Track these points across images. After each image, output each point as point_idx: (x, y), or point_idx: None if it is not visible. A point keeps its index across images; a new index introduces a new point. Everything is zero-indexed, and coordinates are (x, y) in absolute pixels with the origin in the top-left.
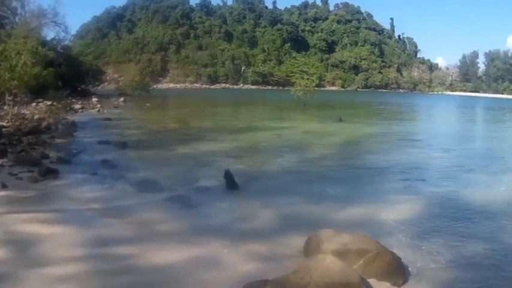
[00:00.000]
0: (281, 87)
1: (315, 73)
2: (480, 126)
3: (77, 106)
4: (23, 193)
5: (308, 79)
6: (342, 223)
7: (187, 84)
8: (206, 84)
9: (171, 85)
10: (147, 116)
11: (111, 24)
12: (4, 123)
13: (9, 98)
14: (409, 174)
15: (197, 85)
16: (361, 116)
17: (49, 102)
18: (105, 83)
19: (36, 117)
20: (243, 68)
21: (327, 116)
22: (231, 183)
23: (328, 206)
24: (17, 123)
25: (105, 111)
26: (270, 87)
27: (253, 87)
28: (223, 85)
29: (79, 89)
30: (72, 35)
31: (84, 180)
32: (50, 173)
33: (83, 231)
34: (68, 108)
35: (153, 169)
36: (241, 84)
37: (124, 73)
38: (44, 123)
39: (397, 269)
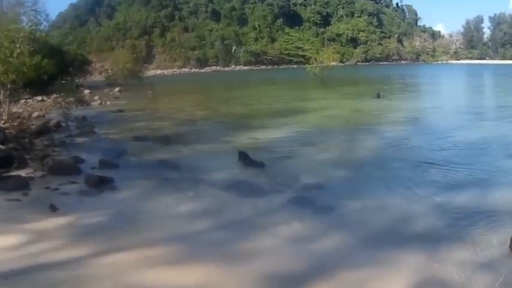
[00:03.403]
0: (276, 66)
1: (334, 47)
2: None
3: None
4: (88, 217)
5: (325, 54)
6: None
7: (175, 70)
8: (195, 68)
9: (158, 71)
10: (161, 105)
11: (89, 10)
12: (0, 124)
13: (5, 94)
14: None
15: (186, 70)
16: (393, 91)
17: (39, 98)
18: (89, 74)
19: (35, 114)
20: (234, 48)
21: (359, 92)
22: (247, 160)
23: (474, 194)
24: (15, 123)
25: (108, 103)
26: (263, 66)
27: (246, 68)
28: (213, 68)
29: (63, 81)
30: (48, 25)
31: (154, 188)
32: (103, 183)
33: (241, 272)
34: (79, 102)
35: (227, 167)
36: (233, 66)
37: (108, 62)
38: (53, 121)
39: None
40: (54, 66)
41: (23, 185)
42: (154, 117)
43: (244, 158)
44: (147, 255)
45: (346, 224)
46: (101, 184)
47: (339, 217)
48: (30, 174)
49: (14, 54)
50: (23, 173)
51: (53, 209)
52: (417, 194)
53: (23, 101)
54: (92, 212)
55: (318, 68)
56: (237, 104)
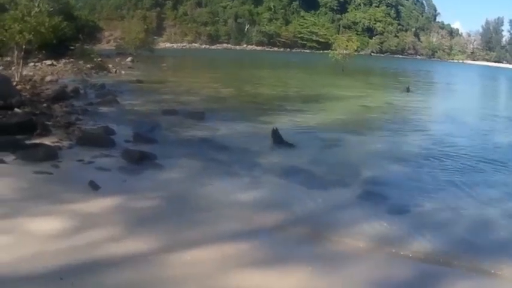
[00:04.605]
0: (288, 49)
1: (350, 35)
2: None
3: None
4: (138, 200)
5: (349, 41)
6: None
7: (184, 44)
8: (206, 44)
9: (168, 44)
10: (181, 79)
11: None
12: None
13: (19, 55)
14: None
15: (196, 45)
16: (419, 86)
17: (49, 62)
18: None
19: (48, 78)
20: (246, 27)
21: (385, 84)
22: (279, 140)
23: None
24: (27, 86)
25: (123, 72)
26: (276, 48)
27: (258, 48)
28: (224, 45)
29: (72, 47)
30: None
31: (203, 169)
32: (145, 159)
33: (341, 280)
34: (100, 69)
35: (276, 151)
36: (245, 45)
37: (118, 31)
38: (69, 87)
39: None
40: (74, 29)
41: (52, 155)
42: (178, 91)
43: (277, 137)
44: (227, 253)
45: (429, 226)
46: (142, 160)
47: (419, 218)
48: (57, 144)
49: (32, 13)
50: (47, 141)
51: (94, 187)
52: (487, 196)
53: (31, 64)
54: (141, 194)
55: (340, 55)
56: (261, 85)
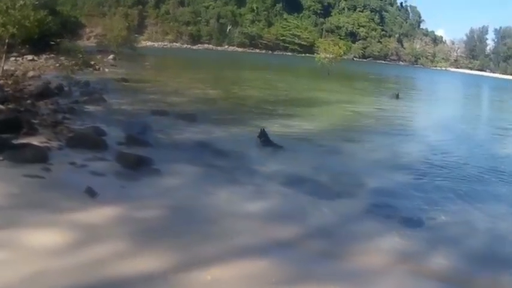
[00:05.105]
0: (270, 51)
1: (335, 41)
2: None
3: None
4: (140, 209)
5: (335, 45)
6: None
7: (166, 43)
8: (187, 44)
9: (149, 43)
10: (166, 79)
11: None
12: None
13: (1, 49)
14: None
15: (177, 44)
16: (407, 92)
17: (30, 57)
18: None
19: (30, 74)
20: (228, 28)
21: (373, 90)
22: (266, 141)
23: None
24: (9, 81)
25: (106, 70)
26: (258, 50)
27: (239, 49)
28: (206, 45)
29: (52, 43)
30: None
31: (204, 176)
32: (142, 164)
33: None
34: (85, 66)
35: (274, 157)
36: (226, 46)
37: (99, 28)
38: (53, 84)
39: None
40: (58, 24)
41: (41, 157)
42: (165, 91)
43: (264, 137)
44: (248, 271)
45: (445, 240)
46: (139, 165)
47: (433, 232)
48: (46, 144)
49: (17, 6)
50: (34, 141)
51: (91, 193)
52: (496, 207)
53: (12, 58)
54: (142, 202)
55: (326, 59)
56: (249, 86)
